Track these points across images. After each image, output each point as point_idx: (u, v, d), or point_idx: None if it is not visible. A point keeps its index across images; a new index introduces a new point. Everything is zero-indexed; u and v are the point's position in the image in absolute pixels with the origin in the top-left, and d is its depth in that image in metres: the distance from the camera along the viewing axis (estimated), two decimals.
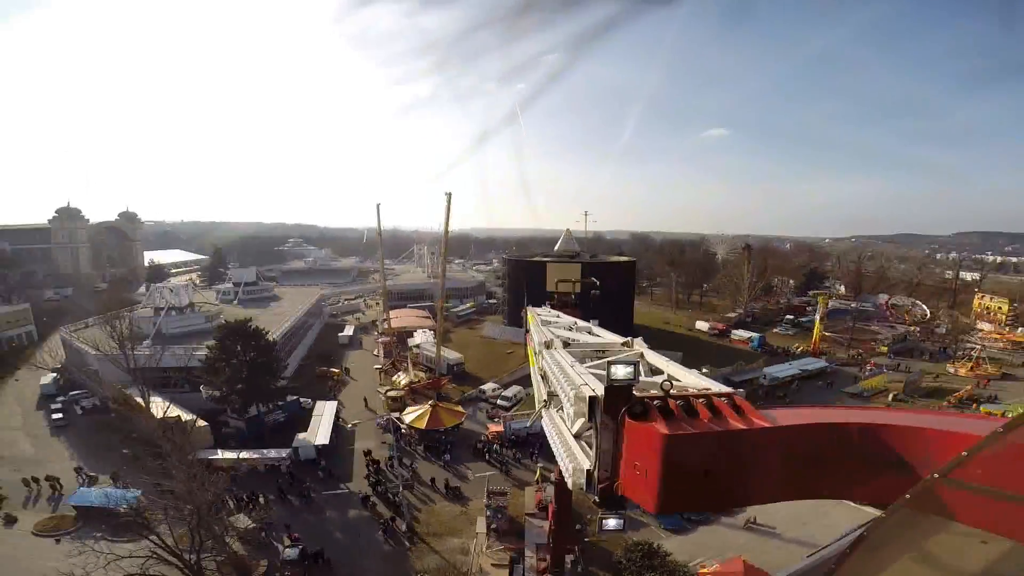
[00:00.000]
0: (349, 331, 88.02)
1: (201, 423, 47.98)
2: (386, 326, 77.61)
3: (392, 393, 58.24)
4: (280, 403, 53.44)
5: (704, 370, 60.94)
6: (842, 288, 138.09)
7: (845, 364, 76.32)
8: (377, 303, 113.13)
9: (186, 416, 47.74)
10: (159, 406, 46.76)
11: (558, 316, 23.41)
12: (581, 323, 20.64)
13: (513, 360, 68.15)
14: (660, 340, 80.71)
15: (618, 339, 15.62)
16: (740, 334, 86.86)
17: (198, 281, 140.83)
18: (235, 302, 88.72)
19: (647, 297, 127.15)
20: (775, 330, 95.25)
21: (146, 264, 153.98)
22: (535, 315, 22.69)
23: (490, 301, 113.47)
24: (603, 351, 14.74)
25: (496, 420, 52.40)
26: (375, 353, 77.36)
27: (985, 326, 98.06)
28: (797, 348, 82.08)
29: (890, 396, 62.11)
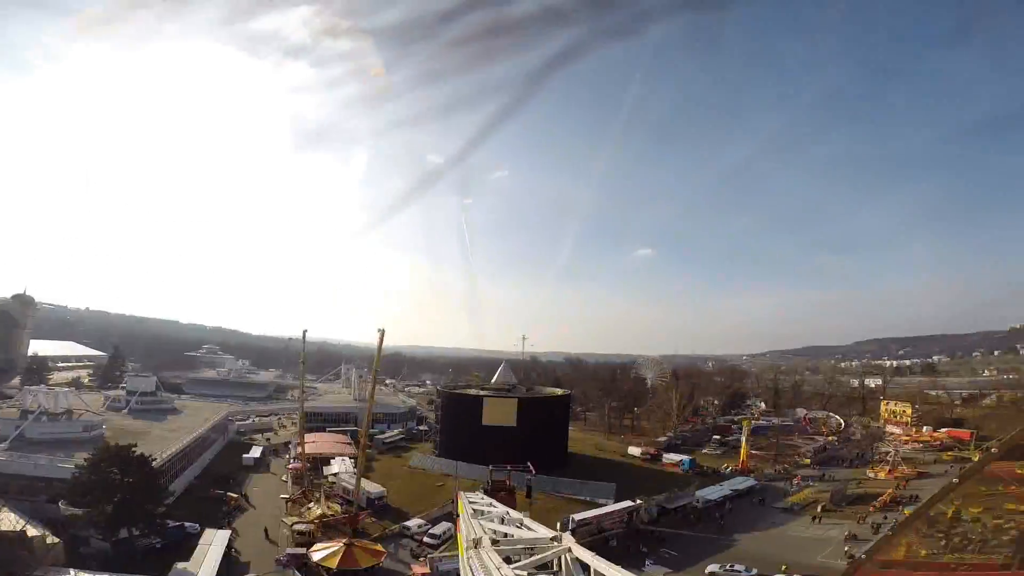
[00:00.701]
0: (256, 452, 79.28)
1: (52, 539, 39.70)
2: (299, 450, 70.72)
3: (300, 526, 51.16)
4: (157, 525, 45.71)
5: (638, 499, 59.47)
6: (762, 404, 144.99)
7: (773, 479, 77.39)
8: (293, 423, 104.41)
9: (34, 531, 39.44)
10: None
11: (492, 505, 23.06)
12: (513, 513, 21.47)
13: (444, 494, 63.09)
14: (594, 468, 79.20)
15: (548, 533, 16.53)
16: (671, 457, 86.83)
17: (87, 380, 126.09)
18: (125, 411, 79.08)
19: (580, 422, 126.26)
20: (704, 451, 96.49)
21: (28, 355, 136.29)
22: (467, 504, 22.21)
23: (420, 428, 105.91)
24: (532, 548, 15.61)
25: (422, 560, 46.84)
26: (284, 479, 69.29)
27: (894, 429, 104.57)
28: (726, 468, 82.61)
29: (819, 507, 62.79)
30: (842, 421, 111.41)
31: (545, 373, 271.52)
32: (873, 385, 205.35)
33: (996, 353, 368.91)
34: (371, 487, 60.75)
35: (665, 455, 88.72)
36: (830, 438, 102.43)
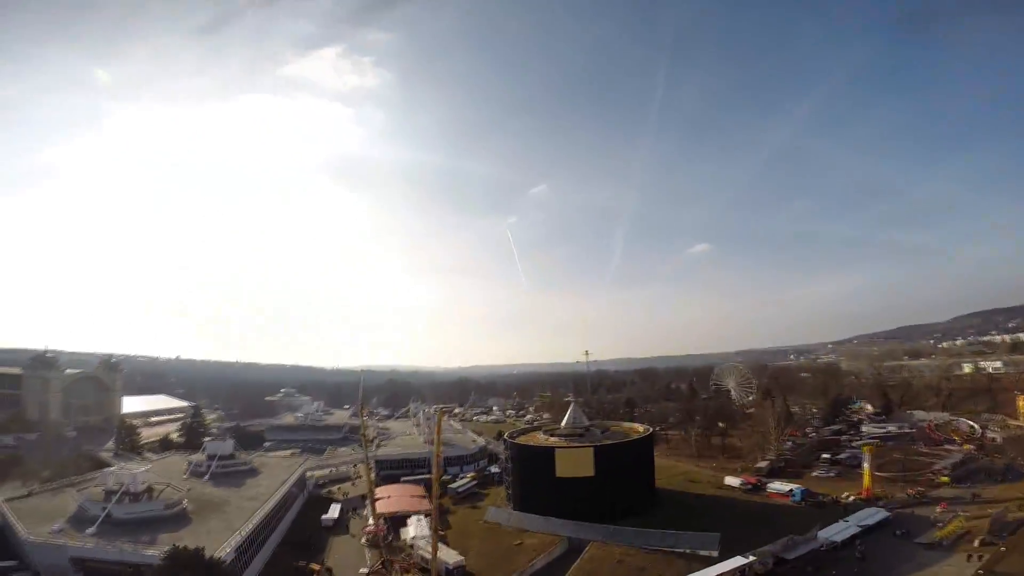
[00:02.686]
0: (334, 512, 77.22)
1: None
2: (374, 510, 67.86)
3: None
4: None
5: (750, 557, 51.23)
6: (868, 407, 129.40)
7: (905, 505, 66.40)
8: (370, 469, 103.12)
9: None
10: None
11: None
12: None
13: (523, 555, 58.07)
14: (688, 507, 71.50)
15: None
16: (777, 487, 76.55)
17: (176, 436, 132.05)
18: (206, 478, 79.92)
19: (662, 444, 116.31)
20: (813, 473, 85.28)
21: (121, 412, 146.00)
22: None
23: (492, 469, 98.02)
24: None
25: None
26: (363, 542, 66.52)
27: None
28: (846, 496, 71.67)
29: (976, 541, 52.67)
30: (976, 426, 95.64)
31: (614, 386, 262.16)
32: (991, 369, 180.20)
33: None
34: (449, 556, 56.32)
35: (769, 484, 78.56)
36: (965, 447, 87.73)
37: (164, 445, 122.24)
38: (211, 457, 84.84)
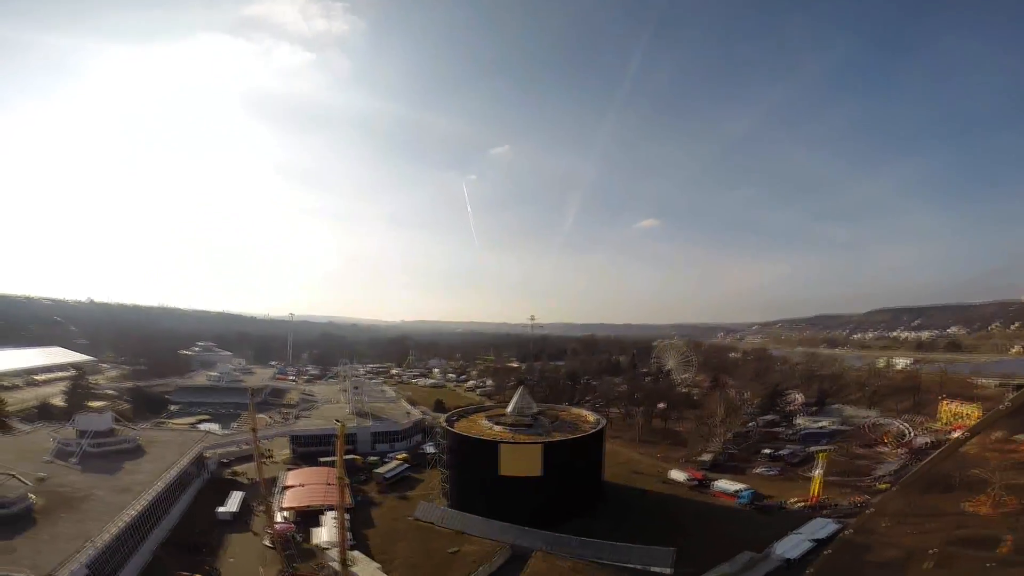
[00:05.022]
0: (233, 503, 65.32)
1: None
2: (277, 505, 57.42)
3: None
4: None
5: None
6: (800, 397, 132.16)
7: (850, 515, 63.82)
8: (286, 446, 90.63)
9: None
10: None
11: None
12: None
13: (460, 566, 50.20)
14: (634, 505, 67.34)
15: None
16: (723, 486, 73.11)
17: (60, 400, 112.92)
18: (74, 461, 64.96)
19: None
20: (756, 470, 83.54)
21: None
22: None
23: (429, 449, 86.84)
24: None
25: None
26: (266, 543, 56.19)
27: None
28: (794, 502, 69.39)
29: (927, 559, 49.64)
30: (908, 429, 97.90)
31: (556, 353, 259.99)
32: (901, 365, 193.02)
33: (1015, 326, 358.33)
34: (365, 570, 47.40)
35: (715, 482, 75.32)
36: (896, 451, 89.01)
37: (43, 413, 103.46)
38: (82, 434, 69.16)
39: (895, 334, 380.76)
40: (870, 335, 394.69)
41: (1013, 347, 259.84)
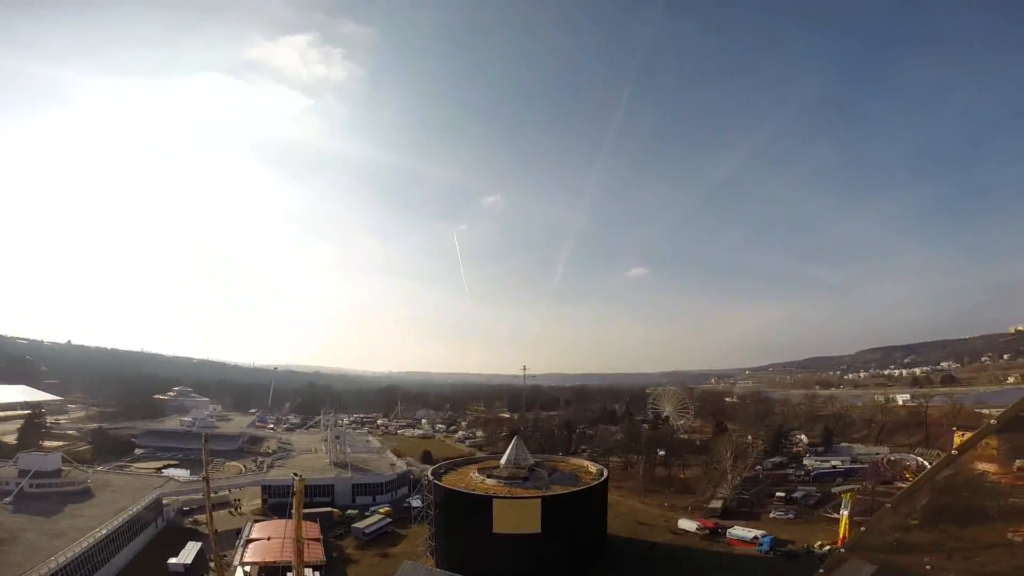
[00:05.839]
0: (189, 554, 58.10)
1: None
2: (239, 559, 50.29)
3: None
4: None
5: None
6: (804, 438, 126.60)
7: None
8: (256, 497, 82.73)
9: None
10: None
11: None
12: None
13: None
14: (643, 561, 61.28)
15: None
16: (739, 533, 66.78)
17: (12, 440, 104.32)
18: (7, 500, 58.84)
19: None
20: (770, 515, 77.10)
21: None
22: None
23: (414, 502, 76.07)
24: None
25: None
26: None
27: None
28: (820, 545, 63.19)
29: None
30: (925, 463, 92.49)
31: (549, 403, 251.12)
32: (902, 401, 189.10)
33: (1005, 357, 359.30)
34: None
35: (729, 530, 68.81)
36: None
37: None
38: (23, 473, 63.63)
39: (888, 372, 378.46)
40: (863, 374, 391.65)
41: (1009, 377, 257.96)
